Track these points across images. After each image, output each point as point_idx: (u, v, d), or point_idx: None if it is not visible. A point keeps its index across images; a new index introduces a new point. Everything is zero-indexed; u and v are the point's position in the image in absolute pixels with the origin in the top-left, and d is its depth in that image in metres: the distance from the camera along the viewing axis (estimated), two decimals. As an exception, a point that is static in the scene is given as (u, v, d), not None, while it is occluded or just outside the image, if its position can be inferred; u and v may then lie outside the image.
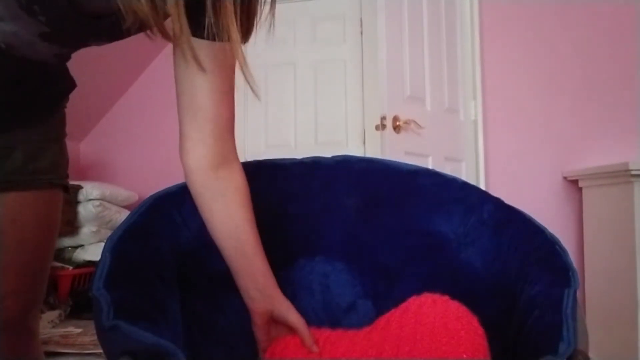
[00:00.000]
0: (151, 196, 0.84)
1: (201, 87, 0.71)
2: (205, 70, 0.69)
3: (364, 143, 2.90)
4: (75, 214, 2.62)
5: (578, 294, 0.65)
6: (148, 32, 0.63)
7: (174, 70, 0.73)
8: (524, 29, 2.67)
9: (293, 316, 0.78)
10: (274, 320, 0.78)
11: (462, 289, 0.88)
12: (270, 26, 0.70)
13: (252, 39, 0.74)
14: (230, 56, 0.70)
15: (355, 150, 2.90)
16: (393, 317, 0.81)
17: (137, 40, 0.76)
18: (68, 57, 0.83)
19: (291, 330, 0.79)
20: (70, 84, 0.88)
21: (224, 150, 0.76)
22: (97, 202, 2.66)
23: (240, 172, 0.78)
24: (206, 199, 0.76)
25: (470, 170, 2.61)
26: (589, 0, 2.60)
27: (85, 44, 0.74)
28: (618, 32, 2.57)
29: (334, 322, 0.90)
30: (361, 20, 2.96)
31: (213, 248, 0.85)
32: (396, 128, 2.08)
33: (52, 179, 0.87)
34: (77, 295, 2.49)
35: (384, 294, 0.95)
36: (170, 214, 0.83)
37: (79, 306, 2.45)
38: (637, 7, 2.54)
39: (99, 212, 2.65)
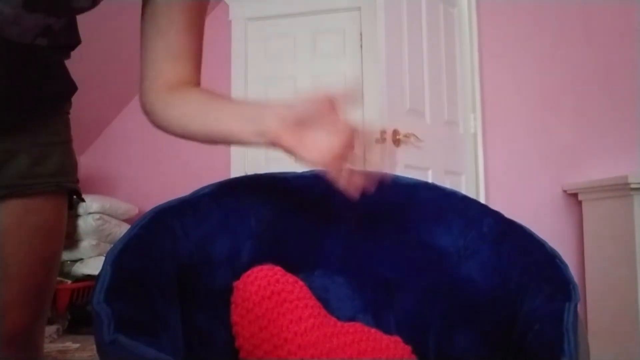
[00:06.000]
0: (152, 209, 0.84)
1: (166, 30, 0.73)
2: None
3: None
4: (74, 227, 2.62)
5: (579, 308, 0.65)
6: None
7: (140, 26, 0.75)
8: (522, 42, 2.69)
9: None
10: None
11: (462, 302, 0.88)
12: None
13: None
14: None
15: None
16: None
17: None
18: (63, 48, 0.80)
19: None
20: (71, 87, 0.86)
21: (184, 80, 0.75)
22: (97, 216, 2.66)
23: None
24: (159, 113, 0.75)
25: (470, 183, 2.61)
26: (587, 14, 2.63)
27: (71, 7, 0.71)
28: (617, 46, 2.59)
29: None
30: (361, 34, 2.99)
31: (214, 261, 0.85)
32: (396, 141, 2.09)
33: (61, 182, 0.84)
34: (76, 310, 2.48)
35: (384, 308, 0.95)
36: (172, 227, 0.82)
37: (77, 321, 2.44)
38: (637, 18, 2.56)
39: (99, 226, 2.65)
